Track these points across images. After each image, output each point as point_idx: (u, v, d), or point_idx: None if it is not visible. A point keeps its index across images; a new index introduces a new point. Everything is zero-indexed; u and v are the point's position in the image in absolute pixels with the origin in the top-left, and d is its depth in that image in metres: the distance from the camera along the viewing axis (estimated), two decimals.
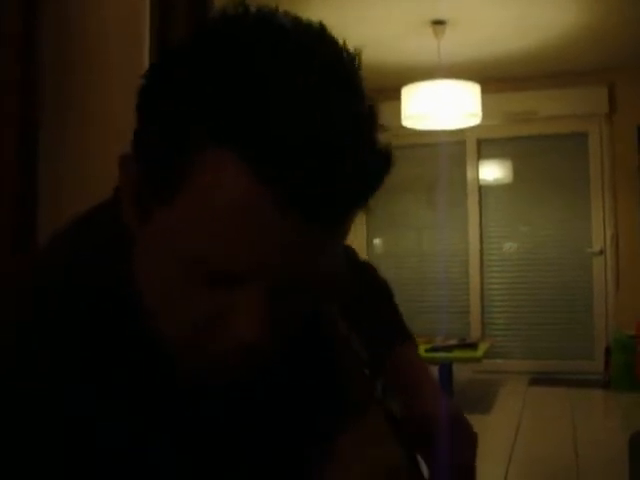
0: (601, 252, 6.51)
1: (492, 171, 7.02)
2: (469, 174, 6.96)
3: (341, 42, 0.65)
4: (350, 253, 1.14)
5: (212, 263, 0.63)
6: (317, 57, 0.62)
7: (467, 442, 0.97)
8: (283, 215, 0.60)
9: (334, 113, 0.60)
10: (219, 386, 0.72)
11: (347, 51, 0.65)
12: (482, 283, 6.87)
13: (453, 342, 5.56)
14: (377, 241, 7.29)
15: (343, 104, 0.62)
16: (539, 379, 6.29)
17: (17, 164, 1.82)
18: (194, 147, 0.61)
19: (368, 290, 1.12)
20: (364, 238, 7.23)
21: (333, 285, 0.71)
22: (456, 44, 5.46)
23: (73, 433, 0.65)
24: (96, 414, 0.66)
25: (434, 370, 5.20)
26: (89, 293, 0.71)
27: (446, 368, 5.45)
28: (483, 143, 6.93)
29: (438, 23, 5.23)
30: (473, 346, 5.55)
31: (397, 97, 5.43)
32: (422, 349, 5.17)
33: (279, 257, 0.63)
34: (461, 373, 6.05)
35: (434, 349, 5.32)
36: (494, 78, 6.33)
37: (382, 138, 0.65)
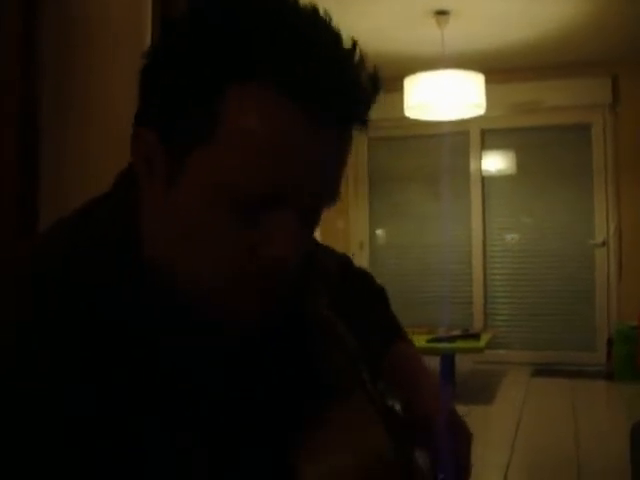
0: (604, 244, 6.50)
1: (495, 162, 7.00)
2: (472, 165, 6.95)
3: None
4: (346, 261, 1.14)
5: (258, 186, 0.70)
6: (304, 6, 0.73)
7: (464, 439, 1.00)
8: (311, 128, 0.69)
9: (334, 44, 0.72)
10: (248, 330, 0.76)
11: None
12: (485, 274, 6.87)
13: (456, 333, 5.57)
14: (380, 232, 7.29)
15: (337, 38, 0.73)
16: (541, 370, 6.29)
17: (18, 164, 1.82)
18: (223, 85, 0.69)
19: (364, 295, 1.13)
20: (367, 229, 7.23)
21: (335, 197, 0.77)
22: (459, 34, 5.45)
23: (73, 433, 0.65)
24: (96, 414, 0.66)
25: (436, 361, 5.21)
26: (88, 291, 0.71)
27: (449, 359, 5.45)
28: (487, 134, 6.91)
29: (441, 13, 5.21)
30: (476, 337, 5.55)
31: (400, 87, 5.42)
32: (424, 340, 5.18)
33: (310, 172, 0.72)
34: (463, 364, 6.05)
35: (437, 339, 5.32)
36: (498, 68, 6.31)
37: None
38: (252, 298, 0.74)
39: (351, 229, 7.16)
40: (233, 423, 0.77)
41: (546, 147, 6.75)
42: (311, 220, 0.77)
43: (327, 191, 0.76)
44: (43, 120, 1.88)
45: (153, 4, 2.08)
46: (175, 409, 0.72)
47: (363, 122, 0.75)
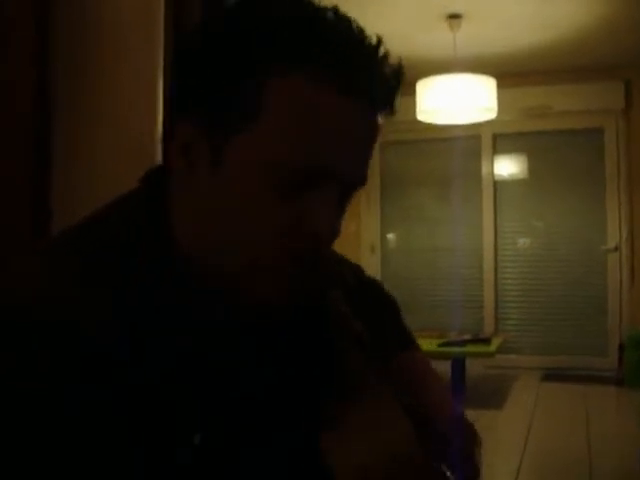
0: (616, 248, 6.48)
1: (507, 166, 6.99)
2: (484, 169, 6.94)
3: None
4: (358, 270, 1.15)
5: (303, 161, 0.74)
6: (326, 7, 0.80)
7: (472, 441, 1.00)
8: (347, 109, 0.75)
9: (364, 36, 0.78)
10: (280, 309, 0.79)
11: None
12: (496, 278, 6.85)
13: (466, 337, 5.55)
14: (391, 235, 7.29)
15: (362, 33, 0.79)
16: (552, 375, 6.27)
17: (31, 162, 1.84)
18: (269, 71, 0.74)
19: (377, 305, 1.13)
20: (378, 232, 7.22)
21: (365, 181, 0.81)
22: (472, 38, 5.45)
23: (72, 433, 0.65)
24: (96, 414, 0.67)
25: (447, 365, 5.20)
26: (90, 295, 0.71)
27: (459, 363, 5.44)
28: (498, 138, 6.90)
29: (454, 17, 5.21)
30: (486, 341, 5.54)
31: (412, 91, 5.42)
32: (435, 344, 5.17)
33: (349, 149, 0.77)
34: (474, 368, 6.03)
35: (448, 344, 5.31)
36: (510, 72, 6.30)
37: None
38: (285, 277, 0.77)
39: (362, 233, 7.16)
40: (248, 422, 0.77)
41: (558, 152, 6.73)
42: (345, 203, 0.81)
43: (360, 172, 0.80)
44: (56, 119, 1.89)
45: (165, 8, 2.09)
46: (183, 408, 0.72)
47: (390, 109, 0.80)
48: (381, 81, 0.78)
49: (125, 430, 0.68)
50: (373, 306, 1.10)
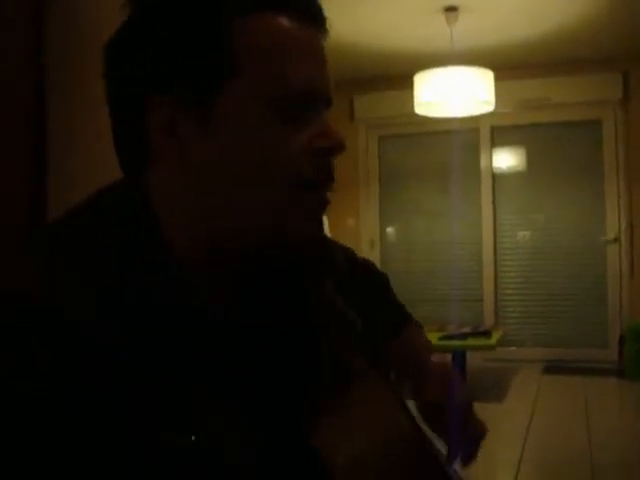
0: (615, 240, 6.48)
1: (506, 159, 6.99)
2: (482, 162, 6.93)
3: None
4: (350, 252, 1.17)
5: (295, 86, 0.78)
6: None
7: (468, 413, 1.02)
8: (307, 34, 0.81)
9: None
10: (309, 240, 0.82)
11: None
12: (496, 271, 6.85)
13: (467, 330, 5.56)
14: (390, 229, 7.29)
15: None
16: (553, 367, 6.28)
17: (30, 163, 1.84)
18: (228, 21, 0.77)
19: (369, 283, 1.15)
20: (377, 226, 7.22)
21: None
22: (469, 31, 5.43)
23: (72, 433, 0.65)
24: (96, 414, 0.66)
25: (448, 358, 5.20)
26: (87, 293, 0.71)
27: (460, 356, 5.44)
28: (497, 131, 6.90)
29: (450, 9, 5.20)
30: (487, 334, 5.54)
31: (410, 84, 5.41)
32: (435, 337, 5.17)
33: (322, 68, 0.82)
34: (474, 361, 6.04)
35: (448, 337, 5.31)
36: (507, 65, 6.29)
37: None
38: (312, 207, 0.81)
39: (362, 227, 7.16)
40: (248, 422, 0.77)
41: (557, 144, 6.73)
42: None
43: (330, 90, 0.84)
44: (53, 118, 1.89)
45: None
46: (174, 411, 0.72)
47: (325, 29, 0.85)
48: (317, 8, 0.84)
49: (124, 430, 0.67)
50: (367, 288, 1.12)
